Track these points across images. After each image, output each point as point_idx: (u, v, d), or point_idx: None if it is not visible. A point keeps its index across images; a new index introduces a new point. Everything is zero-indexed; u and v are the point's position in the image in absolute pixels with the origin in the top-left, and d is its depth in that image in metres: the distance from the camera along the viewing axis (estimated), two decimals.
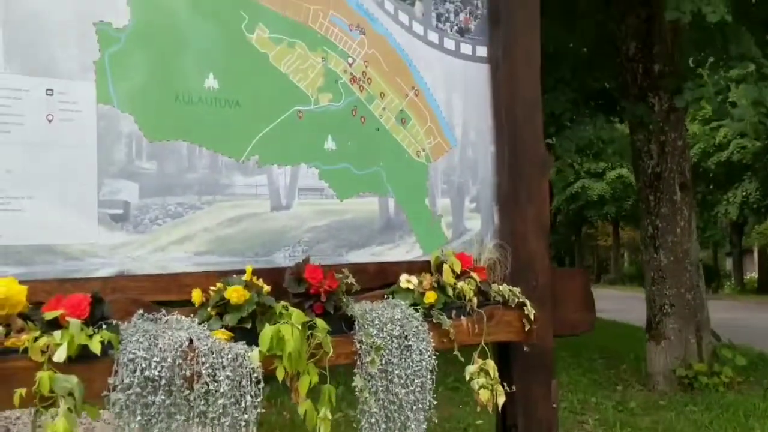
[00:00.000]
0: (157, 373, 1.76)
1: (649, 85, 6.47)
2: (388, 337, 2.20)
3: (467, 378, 2.45)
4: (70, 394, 1.66)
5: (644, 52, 6.44)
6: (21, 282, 1.79)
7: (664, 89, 6.35)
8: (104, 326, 1.78)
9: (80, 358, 1.71)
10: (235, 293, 1.99)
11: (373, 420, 2.17)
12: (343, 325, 2.18)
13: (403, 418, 2.20)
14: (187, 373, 1.80)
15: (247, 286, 2.05)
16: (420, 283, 2.44)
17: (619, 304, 18.06)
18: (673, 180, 6.55)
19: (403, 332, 2.23)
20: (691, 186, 6.80)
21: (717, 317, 7.59)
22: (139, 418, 1.74)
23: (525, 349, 2.63)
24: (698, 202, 22.95)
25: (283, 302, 2.07)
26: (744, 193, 23.58)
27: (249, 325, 1.99)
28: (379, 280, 2.53)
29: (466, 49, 2.88)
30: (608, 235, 38.79)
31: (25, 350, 1.68)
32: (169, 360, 1.77)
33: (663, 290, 6.81)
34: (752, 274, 31.86)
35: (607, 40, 6.87)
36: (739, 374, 6.83)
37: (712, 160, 22.47)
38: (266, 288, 2.10)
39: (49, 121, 1.95)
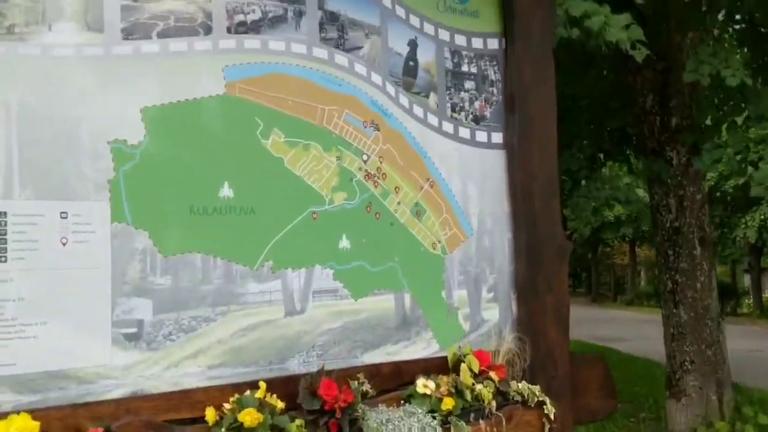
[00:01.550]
0: None
1: (666, 139, 6.41)
2: None
3: None
4: None
5: (661, 105, 6.38)
6: (34, 411, 1.78)
7: (681, 143, 6.29)
8: None
9: None
10: (248, 417, 1.96)
11: None
12: None
13: None
14: None
15: (261, 405, 2.02)
16: (437, 387, 2.39)
17: (636, 329, 17.87)
18: (693, 234, 6.46)
19: None
20: (711, 240, 6.71)
21: (735, 348, 7.40)
22: None
23: None
24: (716, 225, 22.72)
25: (297, 421, 2.04)
26: (762, 217, 23.32)
27: None
28: (395, 380, 2.49)
29: (481, 136, 2.85)
30: (625, 254, 38.45)
31: None
32: None
33: (683, 347, 6.70)
34: None
35: (623, 92, 6.83)
36: None
37: (729, 184, 22.26)
38: (280, 405, 2.07)
39: (63, 245, 1.94)
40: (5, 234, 1.86)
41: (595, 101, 7.05)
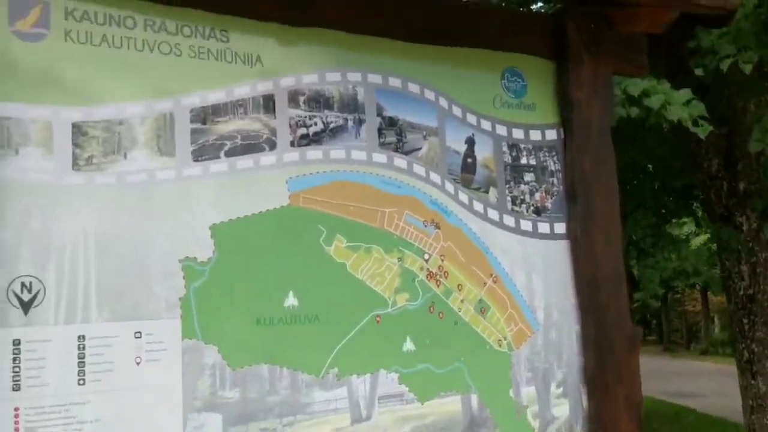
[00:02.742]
0: None
1: (735, 204, 6.23)
2: None
3: None
4: None
5: (727, 169, 6.22)
6: None
7: (751, 208, 6.09)
8: None
9: None
10: None
11: None
12: None
13: None
14: None
15: None
16: None
17: (713, 382, 17.02)
18: None
19: None
20: None
21: None
22: None
23: None
24: None
25: None
26: None
27: None
28: None
29: (543, 228, 2.83)
30: (696, 300, 36.94)
31: None
32: None
33: (763, 420, 6.34)
34: None
35: (685, 152, 6.69)
36: None
37: None
38: None
39: (137, 364, 2.01)
40: (84, 357, 1.94)
41: (656, 164, 6.93)
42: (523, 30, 2.90)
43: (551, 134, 2.93)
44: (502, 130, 2.83)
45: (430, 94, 2.66)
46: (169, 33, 2.19)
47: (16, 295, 1.88)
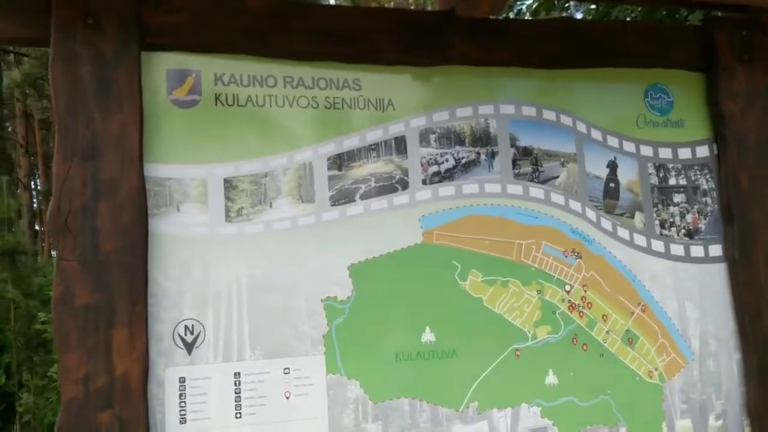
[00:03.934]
0: None
1: None
2: None
3: None
4: None
5: None
6: None
7: None
8: None
9: None
10: None
11: None
12: None
13: None
14: None
15: None
16: None
17: None
18: None
19: None
20: None
21: None
22: None
23: None
24: None
25: None
26: None
27: None
28: None
29: (697, 251, 2.67)
30: None
31: None
32: None
33: None
34: None
35: None
36: None
37: None
38: None
39: (287, 398, 2.17)
40: (240, 392, 2.13)
41: None
42: (667, 44, 2.75)
43: (703, 151, 2.75)
44: (647, 151, 2.70)
45: (566, 120, 2.61)
46: (307, 87, 2.34)
47: (181, 337, 2.11)
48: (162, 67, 2.20)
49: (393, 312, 2.32)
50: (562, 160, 2.59)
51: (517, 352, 2.41)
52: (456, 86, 2.51)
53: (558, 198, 2.55)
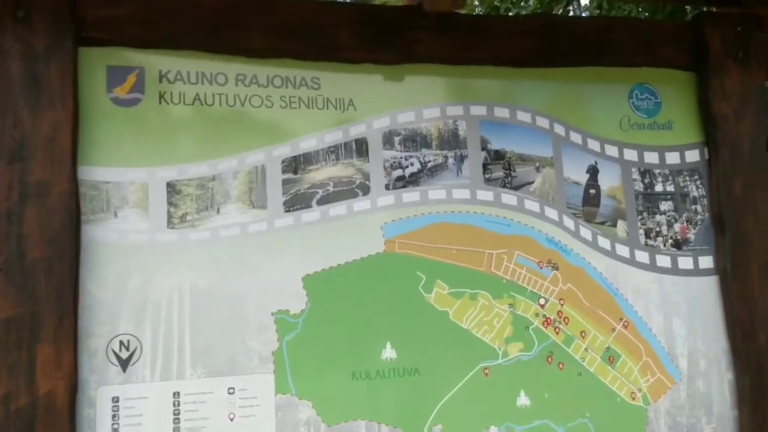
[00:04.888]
0: None
1: None
2: None
3: None
4: None
5: None
6: None
7: None
8: None
9: None
10: None
11: None
12: None
13: None
14: None
15: None
16: None
17: None
18: None
19: None
20: None
21: None
22: None
23: None
24: None
25: None
26: None
27: None
28: None
29: (685, 263, 2.49)
30: None
31: None
32: None
33: None
34: None
35: None
36: None
37: None
38: None
39: (231, 420, 2.01)
40: (179, 413, 1.97)
41: None
42: (655, 41, 2.58)
43: (693, 155, 2.57)
44: (631, 155, 2.53)
45: (543, 122, 2.45)
46: (261, 86, 2.20)
47: (115, 353, 1.96)
48: (101, 63, 2.07)
49: (351, 326, 2.15)
50: (537, 164, 2.42)
51: (486, 371, 2.24)
52: (423, 86, 2.35)
53: (532, 205, 2.38)
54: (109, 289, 1.98)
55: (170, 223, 2.05)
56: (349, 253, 2.18)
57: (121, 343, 1.96)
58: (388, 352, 2.16)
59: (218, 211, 2.10)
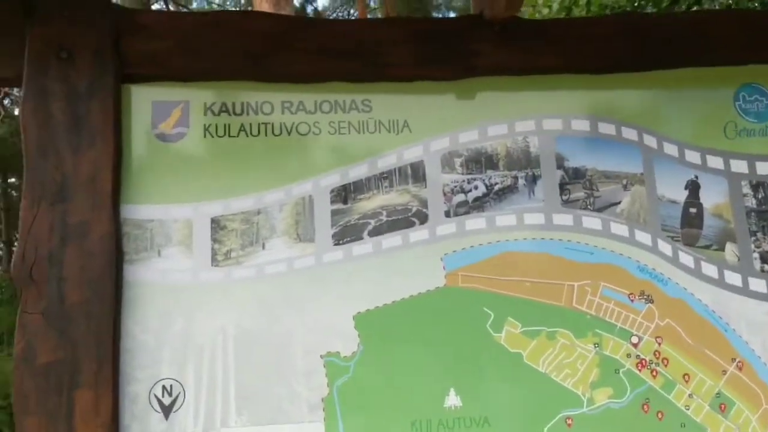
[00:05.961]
0: None
1: None
2: None
3: None
4: None
5: None
6: None
7: None
8: None
9: None
10: None
11: None
12: None
13: None
14: None
15: None
16: None
17: None
18: None
19: None
20: None
21: None
22: None
23: None
24: None
25: None
26: None
27: None
28: None
29: None
30: None
31: None
32: None
33: None
34: None
35: None
36: None
37: None
38: None
39: None
40: None
41: None
42: (763, 33, 2.21)
43: None
44: (740, 166, 2.17)
45: (630, 133, 2.15)
46: (308, 112, 2.07)
47: (158, 399, 1.87)
48: (146, 99, 2.02)
49: (409, 370, 1.94)
50: (624, 182, 2.12)
51: (569, 421, 1.95)
52: (486, 101, 2.13)
53: (620, 229, 2.08)
54: (151, 331, 1.90)
55: (214, 261, 1.95)
56: (406, 288, 1.98)
57: (164, 388, 1.87)
58: (452, 400, 1.94)
59: (264, 247, 1.98)
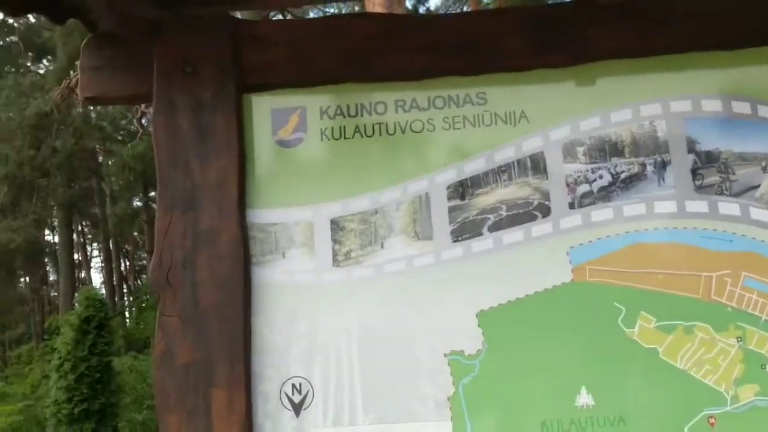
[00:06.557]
0: None
1: None
2: None
3: None
4: None
5: None
6: None
7: None
8: None
9: None
10: None
11: None
12: None
13: None
14: None
15: None
16: None
17: None
18: None
19: None
20: None
21: None
22: None
23: None
24: None
25: None
26: None
27: None
28: None
29: None
30: None
31: None
32: None
33: None
34: None
35: None
36: None
37: None
38: None
39: None
40: None
41: None
42: None
43: None
44: None
45: (767, 111, 1.99)
46: (421, 109, 2.06)
47: (288, 397, 1.92)
48: (266, 107, 2.08)
49: (537, 369, 1.89)
50: (763, 164, 1.97)
51: (711, 420, 1.83)
52: (607, 86, 2.04)
53: (761, 214, 1.93)
54: (279, 331, 1.95)
55: (335, 261, 1.98)
56: (530, 284, 1.93)
57: (293, 386, 1.92)
58: (584, 398, 1.86)
59: (382, 246, 1.99)
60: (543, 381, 1.88)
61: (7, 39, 23.98)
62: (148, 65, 2.04)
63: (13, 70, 22.12)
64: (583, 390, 1.87)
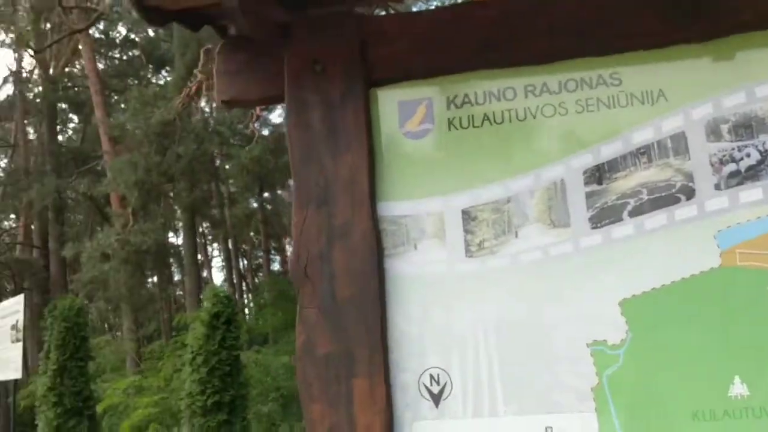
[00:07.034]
0: None
1: None
2: None
3: None
4: None
5: None
6: None
7: None
8: None
9: None
10: None
11: None
12: None
13: None
14: None
15: None
16: None
17: None
18: None
19: None
20: None
21: None
22: None
23: None
24: None
25: None
26: None
27: None
28: None
29: None
30: None
31: None
32: None
33: None
34: None
35: None
36: None
37: None
38: None
39: None
40: None
41: None
42: None
43: None
44: None
45: None
46: (552, 93, 2.01)
47: (427, 388, 1.93)
48: (392, 100, 2.10)
49: (685, 358, 1.81)
50: None
51: None
52: (752, 59, 1.91)
53: None
54: (414, 322, 1.96)
55: (468, 251, 1.97)
56: (676, 270, 1.84)
57: (432, 377, 1.93)
58: (738, 388, 1.76)
59: (516, 235, 1.95)
60: (693, 371, 1.79)
61: (130, 53, 25.57)
62: (279, 67, 2.11)
63: (136, 82, 23.57)
64: (737, 379, 1.76)
